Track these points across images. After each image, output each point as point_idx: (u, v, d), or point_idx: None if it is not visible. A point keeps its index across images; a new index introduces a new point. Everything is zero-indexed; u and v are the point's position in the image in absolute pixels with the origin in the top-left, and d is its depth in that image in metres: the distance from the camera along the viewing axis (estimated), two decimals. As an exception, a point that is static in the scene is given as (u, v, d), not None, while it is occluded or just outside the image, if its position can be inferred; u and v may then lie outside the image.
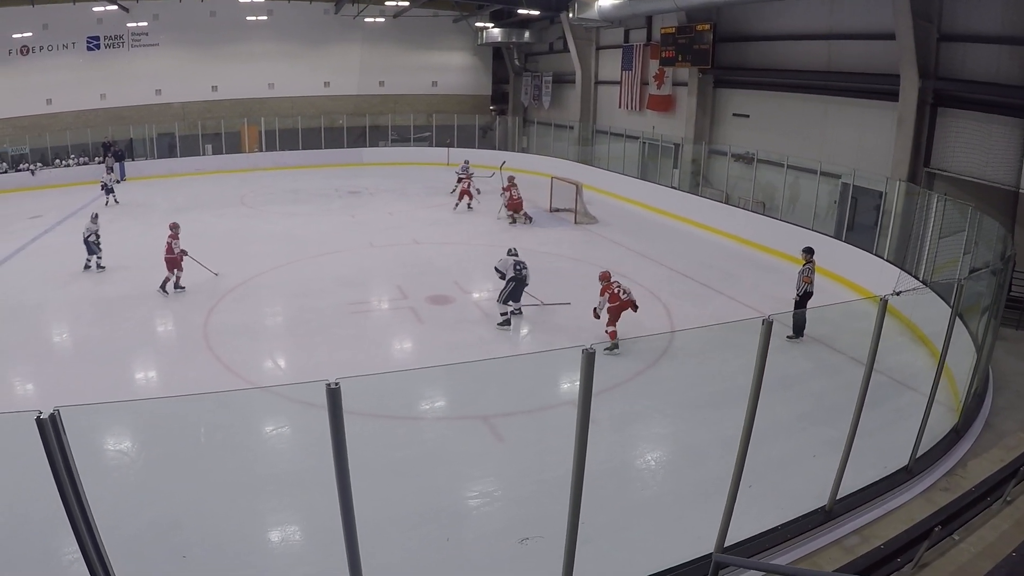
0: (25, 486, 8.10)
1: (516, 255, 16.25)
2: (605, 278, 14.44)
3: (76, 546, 4.71)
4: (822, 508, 7.73)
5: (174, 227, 18.24)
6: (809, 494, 7.99)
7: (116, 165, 35.63)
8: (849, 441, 7.64)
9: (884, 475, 8.62)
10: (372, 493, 8.31)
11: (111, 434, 10.38)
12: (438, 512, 8.82)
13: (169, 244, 17.87)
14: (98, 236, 19.85)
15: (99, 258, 19.83)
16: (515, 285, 15.74)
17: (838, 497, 7.76)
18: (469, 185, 27.96)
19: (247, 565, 7.86)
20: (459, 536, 8.34)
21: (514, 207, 26.06)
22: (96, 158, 37.02)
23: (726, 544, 6.87)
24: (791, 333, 14.72)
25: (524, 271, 15.81)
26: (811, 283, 14.78)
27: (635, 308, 14.09)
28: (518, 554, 7.77)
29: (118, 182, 31.73)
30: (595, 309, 14.36)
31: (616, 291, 14.12)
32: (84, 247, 19.70)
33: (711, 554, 6.50)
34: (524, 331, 15.81)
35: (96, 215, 20.45)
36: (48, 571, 7.51)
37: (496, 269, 16.20)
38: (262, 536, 8.47)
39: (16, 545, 7.78)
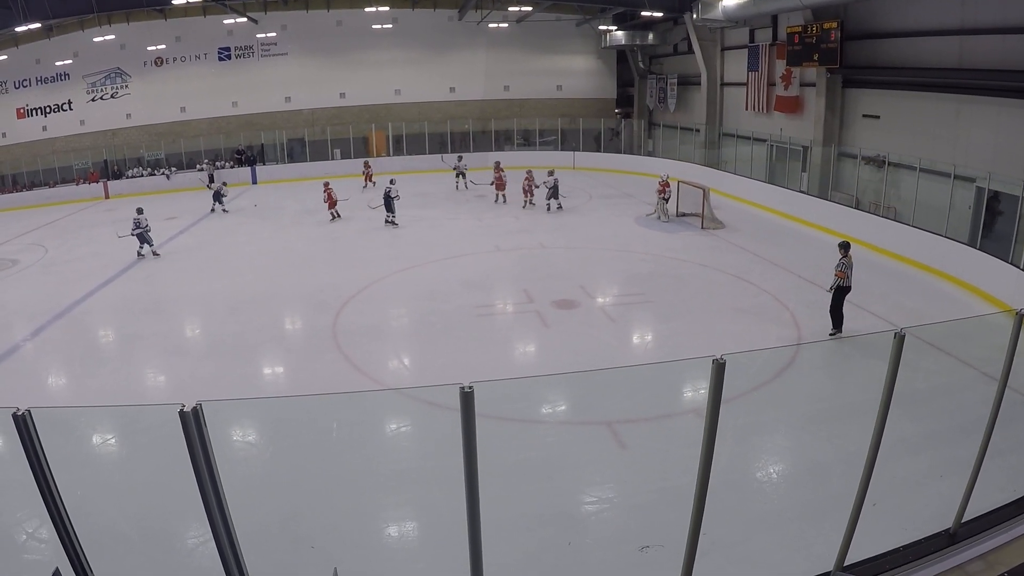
0: (146, 472, 8.77)
1: (392, 183, 27.17)
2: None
3: (200, 531, 5.03)
4: (946, 531, 7.60)
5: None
6: (933, 515, 7.86)
7: (215, 174, 37.37)
8: (978, 462, 7.46)
9: (1013, 499, 8.42)
10: (493, 494, 8.64)
11: (242, 427, 11.03)
12: (558, 515, 8.97)
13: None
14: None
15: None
16: (385, 199, 26.93)
17: (963, 520, 7.63)
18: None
19: (366, 557, 8.21)
20: (579, 540, 8.49)
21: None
22: (230, 163, 39.02)
23: (846, 563, 6.89)
24: (832, 331, 15.03)
25: (390, 192, 26.81)
26: (845, 278, 14.92)
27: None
28: (636, 562, 7.85)
29: (224, 196, 32.47)
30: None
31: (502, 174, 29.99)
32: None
33: (830, 572, 6.56)
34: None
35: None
36: (173, 554, 7.93)
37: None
38: (382, 531, 8.86)
39: (141, 528, 8.39)
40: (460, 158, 36.36)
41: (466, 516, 5.09)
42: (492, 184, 31.49)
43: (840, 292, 15.17)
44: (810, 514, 8.99)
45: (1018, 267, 17.16)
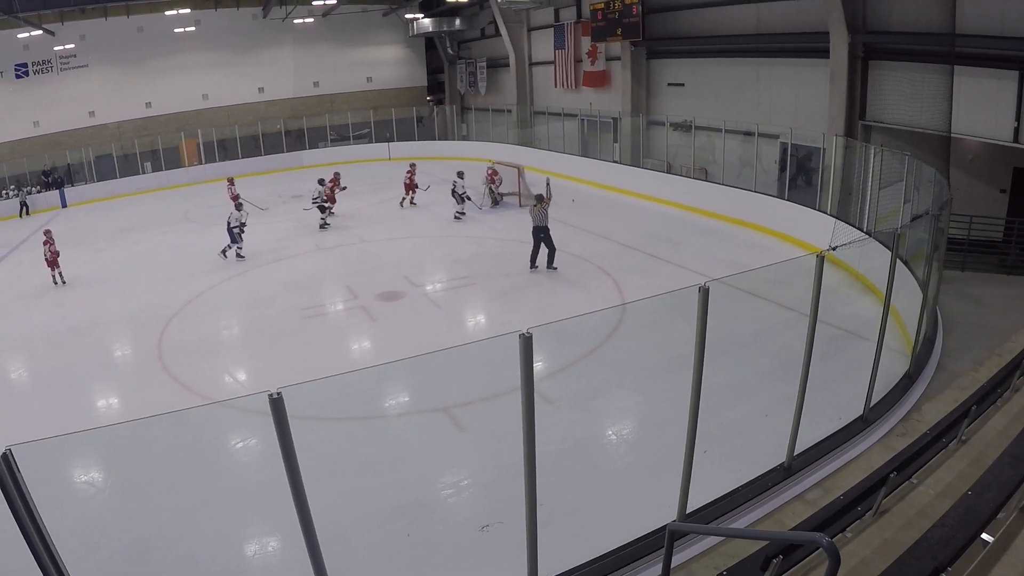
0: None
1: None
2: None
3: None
4: (781, 465, 7.74)
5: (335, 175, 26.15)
6: (769, 452, 7.99)
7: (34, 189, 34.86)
8: (800, 395, 7.64)
9: (841, 426, 8.66)
10: (341, 493, 8.19)
11: (73, 466, 10.06)
12: (403, 508, 8.66)
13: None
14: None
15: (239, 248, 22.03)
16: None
17: (796, 452, 7.77)
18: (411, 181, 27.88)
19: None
20: (427, 529, 8.19)
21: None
22: (36, 187, 36.17)
23: (688, 511, 6.84)
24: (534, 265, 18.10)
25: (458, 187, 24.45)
26: (535, 219, 17.84)
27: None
28: (482, 541, 7.69)
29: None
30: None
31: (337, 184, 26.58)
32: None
33: (673, 521, 6.48)
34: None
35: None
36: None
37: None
38: (235, 550, 8.27)
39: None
40: (240, 206, 22.98)
41: (299, 524, 4.98)
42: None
43: (536, 232, 17.92)
44: (652, 469, 8.99)
45: (825, 213, 17.96)
